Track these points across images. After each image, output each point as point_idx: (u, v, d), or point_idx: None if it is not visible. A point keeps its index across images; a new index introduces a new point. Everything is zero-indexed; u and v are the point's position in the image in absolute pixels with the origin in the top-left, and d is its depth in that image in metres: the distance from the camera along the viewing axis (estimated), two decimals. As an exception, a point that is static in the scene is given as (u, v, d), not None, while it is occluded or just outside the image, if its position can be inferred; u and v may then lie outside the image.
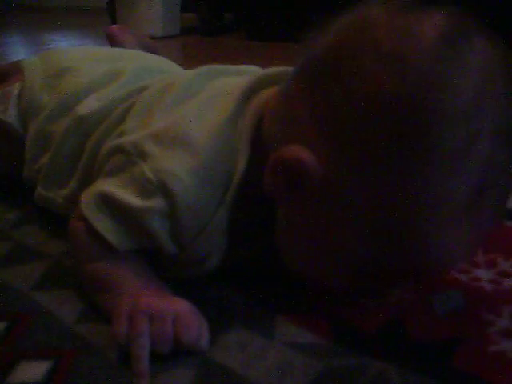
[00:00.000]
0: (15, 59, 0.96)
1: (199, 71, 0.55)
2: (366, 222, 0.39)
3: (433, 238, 0.39)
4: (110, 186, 0.46)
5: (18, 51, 2.16)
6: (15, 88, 0.67)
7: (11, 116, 0.66)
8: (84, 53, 0.73)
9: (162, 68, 0.68)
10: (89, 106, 0.58)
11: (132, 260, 0.47)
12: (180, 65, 0.75)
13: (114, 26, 0.99)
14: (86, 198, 0.47)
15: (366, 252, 0.40)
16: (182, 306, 0.42)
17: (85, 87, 0.61)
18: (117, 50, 0.81)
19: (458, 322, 0.45)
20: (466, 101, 0.36)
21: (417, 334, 0.44)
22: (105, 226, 0.46)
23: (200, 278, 0.50)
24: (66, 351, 0.42)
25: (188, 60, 1.75)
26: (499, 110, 0.38)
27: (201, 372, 0.40)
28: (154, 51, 0.87)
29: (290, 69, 0.46)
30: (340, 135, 0.39)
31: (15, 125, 0.65)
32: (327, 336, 0.43)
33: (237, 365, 0.40)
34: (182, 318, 0.41)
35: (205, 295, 0.48)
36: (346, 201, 0.39)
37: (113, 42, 0.92)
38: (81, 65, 0.66)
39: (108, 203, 0.46)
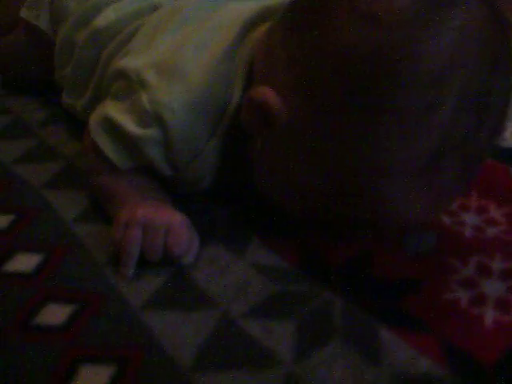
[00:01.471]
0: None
1: None
2: (324, 165, 0.41)
3: (385, 192, 0.40)
4: (113, 110, 0.49)
5: None
6: None
7: (43, 21, 0.69)
8: None
9: None
10: (105, 18, 0.59)
11: (136, 175, 0.50)
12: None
13: None
14: (94, 119, 0.51)
15: (325, 190, 0.43)
16: (175, 219, 0.45)
17: None
18: None
19: (422, 264, 0.46)
20: (432, 68, 0.36)
21: (380, 271, 0.45)
22: (108, 146, 0.49)
23: (195, 194, 0.53)
24: (58, 247, 0.47)
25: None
26: (470, 79, 0.37)
27: (168, 280, 0.44)
28: None
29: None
30: (306, 83, 0.40)
31: (46, 30, 0.69)
32: (293, 262, 0.46)
33: (201, 278, 0.44)
34: (173, 231, 0.44)
35: (194, 208, 0.51)
36: (306, 143, 0.41)
37: None
38: None
39: (111, 126, 0.49)
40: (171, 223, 0.45)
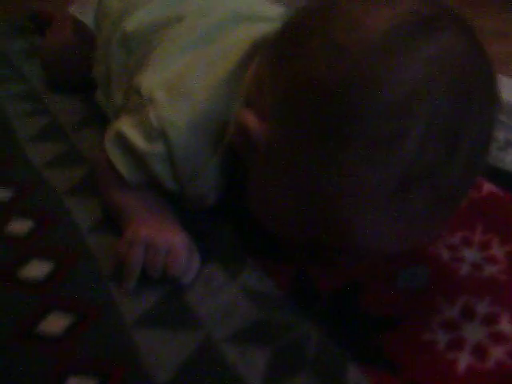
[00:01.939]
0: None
1: (224, 16, 0.57)
2: (297, 190, 0.43)
3: (354, 220, 0.42)
4: (125, 125, 0.52)
5: None
6: None
7: (89, 18, 0.73)
8: None
9: None
10: (134, 22, 0.62)
11: (144, 191, 0.53)
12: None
13: None
14: (109, 133, 0.54)
15: (299, 215, 0.45)
16: (176, 241, 0.48)
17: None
18: None
19: (409, 301, 0.48)
20: (397, 98, 0.37)
21: (366, 304, 0.47)
22: (119, 160, 0.52)
23: (203, 212, 0.56)
24: (70, 256, 0.51)
25: None
26: (438, 108, 0.38)
27: (162, 298, 0.47)
28: None
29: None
30: (282, 109, 0.43)
31: (92, 26, 0.72)
32: (284, 288, 0.48)
33: (194, 299, 0.47)
34: (173, 252, 0.48)
35: (198, 228, 0.54)
36: (282, 167, 0.44)
37: None
38: None
39: (122, 141, 0.52)
40: (172, 244, 0.48)
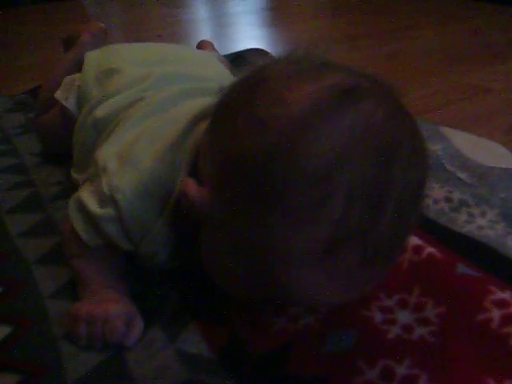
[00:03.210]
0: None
1: (176, 90, 0.65)
2: (237, 251, 0.47)
3: (288, 278, 0.45)
4: (84, 192, 0.58)
5: None
6: (77, 79, 0.81)
7: (71, 103, 0.80)
8: (136, 52, 0.84)
9: (192, 74, 0.75)
10: (104, 109, 0.69)
11: (100, 258, 0.59)
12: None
13: None
14: (72, 200, 0.60)
15: (240, 272, 0.48)
16: (114, 311, 0.53)
17: (120, 87, 0.72)
18: (167, 49, 0.91)
19: (333, 363, 0.50)
20: (316, 167, 0.40)
21: (294, 366, 0.50)
22: (79, 225, 0.58)
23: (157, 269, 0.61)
24: (28, 320, 0.56)
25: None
26: (359, 175, 0.41)
27: (105, 359, 0.51)
28: None
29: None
30: (219, 179, 0.47)
31: (73, 111, 0.79)
32: (217, 350, 0.52)
33: (133, 360, 0.51)
34: (109, 323, 0.52)
35: (148, 290, 0.59)
36: (222, 230, 0.48)
37: None
38: (126, 66, 0.77)
39: (81, 206, 0.58)
40: (109, 314, 0.52)
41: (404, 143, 0.43)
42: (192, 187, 0.49)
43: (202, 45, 1.19)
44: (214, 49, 1.17)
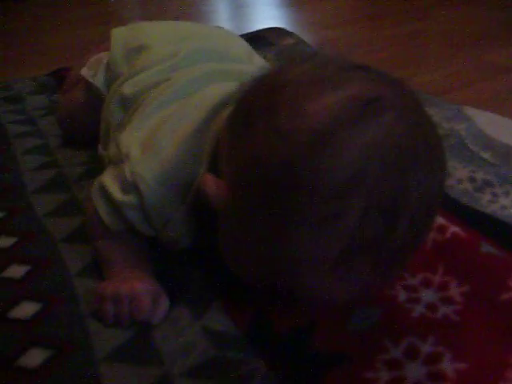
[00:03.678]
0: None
1: (199, 73, 0.64)
2: (251, 247, 0.48)
3: (301, 279, 0.46)
4: (107, 177, 0.59)
5: None
6: (105, 57, 0.81)
7: (99, 80, 0.80)
8: (163, 29, 0.83)
9: (218, 49, 0.75)
10: (130, 87, 0.69)
11: (123, 239, 0.59)
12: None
13: None
14: (95, 184, 0.60)
15: (257, 265, 0.49)
16: (139, 290, 0.53)
17: (148, 64, 0.72)
18: (191, 26, 0.91)
19: (357, 340, 0.51)
20: (335, 182, 0.41)
21: (318, 343, 0.51)
22: (102, 208, 0.58)
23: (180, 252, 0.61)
24: (56, 298, 0.57)
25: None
26: (375, 190, 0.41)
27: (131, 336, 0.52)
28: None
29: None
30: (235, 181, 0.47)
31: (101, 88, 0.80)
32: (242, 328, 0.53)
33: (159, 338, 0.52)
34: (136, 301, 0.53)
35: (173, 271, 0.60)
36: (239, 227, 0.48)
37: None
38: (155, 43, 0.76)
39: (104, 191, 0.58)
40: (135, 292, 0.53)
41: (422, 157, 0.43)
42: (211, 184, 0.49)
43: None
44: None
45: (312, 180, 0.41)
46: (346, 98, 0.43)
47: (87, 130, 0.87)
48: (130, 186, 0.55)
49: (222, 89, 0.60)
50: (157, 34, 0.80)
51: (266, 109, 0.45)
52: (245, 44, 0.85)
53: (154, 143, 0.57)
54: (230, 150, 0.49)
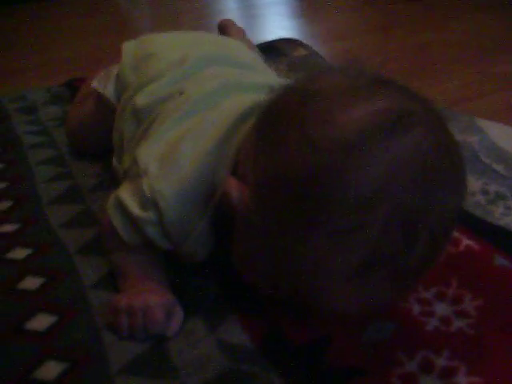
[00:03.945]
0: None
1: (216, 86, 0.64)
2: (268, 254, 0.48)
3: (317, 291, 0.46)
4: (124, 192, 0.59)
5: None
6: (115, 68, 0.82)
7: (109, 92, 0.81)
8: (170, 38, 0.84)
9: (227, 54, 0.77)
10: (143, 98, 0.69)
11: (139, 253, 0.59)
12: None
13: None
14: (111, 198, 0.61)
15: (272, 275, 0.49)
16: (153, 302, 0.53)
17: (157, 73, 0.72)
18: (200, 34, 0.92)
19: (373, 354, 0.51)
20: (359, 195, 0.41)
21: (333, 357, 0.51)
22: (119, 223, 0.58)
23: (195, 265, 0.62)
24: (71, 310, 0.57)
25: None
26: (398, 205, 0.42)
27: (147, 349, 0.52)
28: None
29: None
30: (260, 188, 0.47)
31: (111, 99, 0.80)
32: (257, 340, 0.53)
33: (175, 350, 0.52)
34: (149, 314, 0.53)
35: (188, 283, 0.60)
36: (258, 232, 0.48)
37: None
38: (162, 50, 0.77)
39: (121, 206, 0.58)
40: (147, 305, 0.53)
41: (446, 176, 0.44)
42: (235, 187, 0.50)
43: (226, 25, 1.17)
44: (245, 36, 1.16)
45: (338, 191, 0.42)
46: (378, 111, 0.43)
47: (97, 141, 0.88)
48: (149, 203, 0.55)
49: (239, 102, 0.60)
50: (164, 43, 0.81)
51: (298, 115, 0.45)
52: (253, 53, 0.86)
53: (172, 160, 0.57)
54: (257, 156, 0.49)
